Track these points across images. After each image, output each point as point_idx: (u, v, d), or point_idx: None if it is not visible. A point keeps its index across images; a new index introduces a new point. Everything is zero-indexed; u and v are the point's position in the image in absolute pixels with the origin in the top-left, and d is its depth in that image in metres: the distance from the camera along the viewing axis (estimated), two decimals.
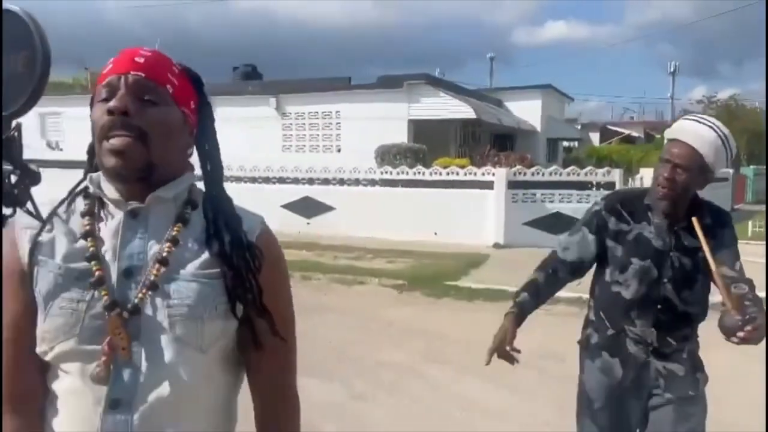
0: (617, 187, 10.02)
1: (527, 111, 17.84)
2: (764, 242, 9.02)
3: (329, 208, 11.03)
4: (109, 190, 0.94)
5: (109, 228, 0.93)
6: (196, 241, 0.94)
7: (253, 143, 12.68)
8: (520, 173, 9.96)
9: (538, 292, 1.99)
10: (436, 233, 9.91)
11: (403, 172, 10.61)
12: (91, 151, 0.97)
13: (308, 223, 10.94)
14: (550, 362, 4.31)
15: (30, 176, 1.03)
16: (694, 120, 1.86)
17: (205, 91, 1.02)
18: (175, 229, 0.93)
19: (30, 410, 0.94)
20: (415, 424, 3.46)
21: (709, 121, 1.83)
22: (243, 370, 1.02)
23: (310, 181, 11.30)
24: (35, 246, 0.92)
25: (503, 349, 1.92)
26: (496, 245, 9.59)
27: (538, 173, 9.95)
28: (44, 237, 0.93)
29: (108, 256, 0.91)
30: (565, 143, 24.05)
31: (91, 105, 0.94)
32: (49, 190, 1.24)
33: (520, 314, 1.97)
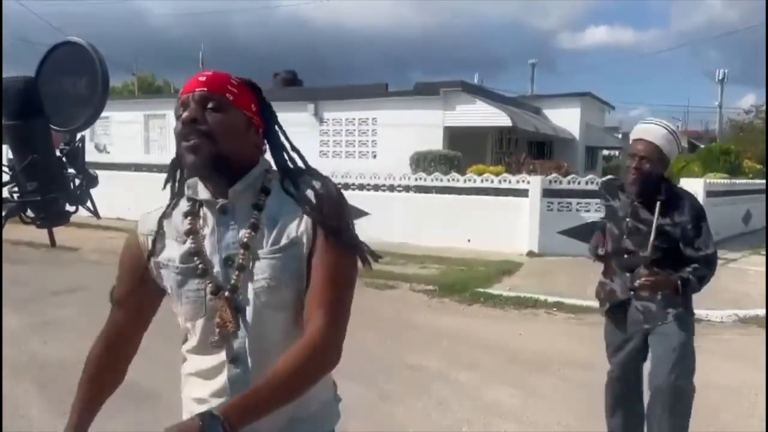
0: None
1: (565, 119, 17.64)
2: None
3: (364, 213, 11.16)
4: (202, 192, 1.14)
5: (208, 225, 1.15)
6: (271, 222, 1.12)
7: None
8: (555, 181, 9.88)
9: None
10: (469, 240, 9.92)
11: (437, 179, 10.65)
12: (174, 163, 1.20)
13: None
14: (579, 370, 4.32)
15: (89, 179, 1.22)
16: (649, 123, 2.57)
17: (264, 95, 1.20)
18: (253, 216, 1.12)
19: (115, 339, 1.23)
20: (441, 427, 3.53)
21: (662, 123, 2.53)
22: None
23: (346, 187, 11.43)
24: (153, 251, 1.17)
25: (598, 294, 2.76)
26: (530, 253, 9.54)
27: (574, 182, 9.84)
28: (159, 244, 1.17)
29: (209, 250, 1.13)
30: (605, 152, 23.64)
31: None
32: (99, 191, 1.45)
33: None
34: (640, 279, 2.41)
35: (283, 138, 1.21)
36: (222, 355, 1.13)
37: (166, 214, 1.19)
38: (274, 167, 1.20)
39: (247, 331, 1.11)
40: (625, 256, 2.57)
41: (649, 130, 2.50)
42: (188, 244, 1.14)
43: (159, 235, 1.17)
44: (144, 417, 3.31)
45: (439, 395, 3.96)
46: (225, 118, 1.11)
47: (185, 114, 1.10)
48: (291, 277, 1.11)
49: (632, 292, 2.56)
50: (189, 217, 1.16)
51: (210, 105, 1.11)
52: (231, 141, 1.11)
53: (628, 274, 2.57)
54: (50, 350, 4.58)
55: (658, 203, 2.40)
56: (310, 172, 1.19)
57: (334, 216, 1.11)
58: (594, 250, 2.73)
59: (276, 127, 1.21)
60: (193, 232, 1.14)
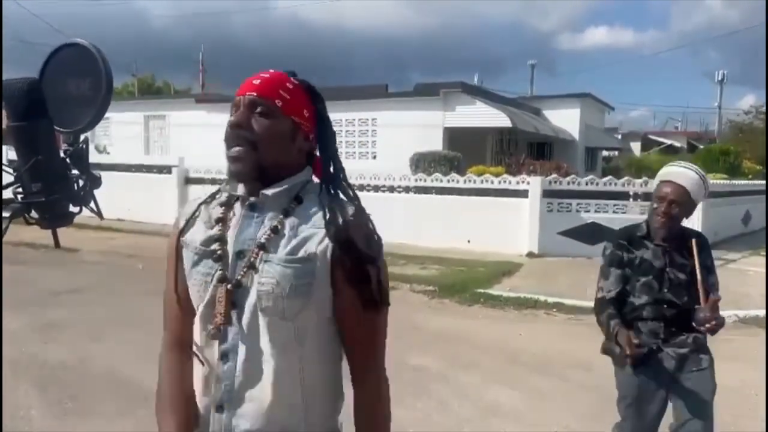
0: None
1: (565, 119, 17.67)
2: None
3: None
4: (240, 188, 1.16)
5: (236, 217, 1.16)
6: (293, 231, 1.11)
7: None
8: (555, 182, 9.89)
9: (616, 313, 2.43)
10: (469, 241, 9.93)
11: (437, 180, 10.65)
12: None
13: None
14: (578, 371, 4.33)
15: (93, 180, 1.22)
16: (680, 166, 2.44)
17: (321, 99, 1.22)
18: (277, 219, 1.12)
19: (185, 351, 1.19)
20: (441, 428, 3.54)
21: (692, 167, 2.42)
22: (335, 345, 1.18)
23: None
24: (183, 230, 1.19)
25: (631, 348, 2.24)
26: (530, 254, 9.54)
27: (573, 182, 9.84)
28: (190, 224, 1.19)
29: (230, 240, 1.14)
30: (605, 152, 23.66)
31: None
32: (99, 191, 1.46)
33: (622, 323, 2.38)
34: (709, 322, 2.20)
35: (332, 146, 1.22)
36: (216, 350, 1.12)
37: (206, 201, 1.21)
38: (316, 180, 1.20)
39: (241, 330, 1.10)
40: (665, 306, 2.41)
41: (679, 172, 2.39)
42: (214, 230, 1.15)
43: (193, 218, 1.20)
44: (144, 417, 3.31)
45: (439, 396, 3.97)
46: (271, 125, 1.11)
47: (232, 118, 1.12)
48: (297, 291, 1.08)
49: (662, 340, 2.42)
50: (223, 207, 1.18)
51: (258, 110, 1.11)
52: (274, 149, 1.11)
53: (661, 324, 2.42)
54: (50, 351, 4.58)
55: (695, 245, 2.32)
56: (349, 195, 1.19)
57: (356, 246, 1.10)
58: (623, 358, 2.34)
59: (327, 135, 1.21)
60: (222, 221, 1.16)
